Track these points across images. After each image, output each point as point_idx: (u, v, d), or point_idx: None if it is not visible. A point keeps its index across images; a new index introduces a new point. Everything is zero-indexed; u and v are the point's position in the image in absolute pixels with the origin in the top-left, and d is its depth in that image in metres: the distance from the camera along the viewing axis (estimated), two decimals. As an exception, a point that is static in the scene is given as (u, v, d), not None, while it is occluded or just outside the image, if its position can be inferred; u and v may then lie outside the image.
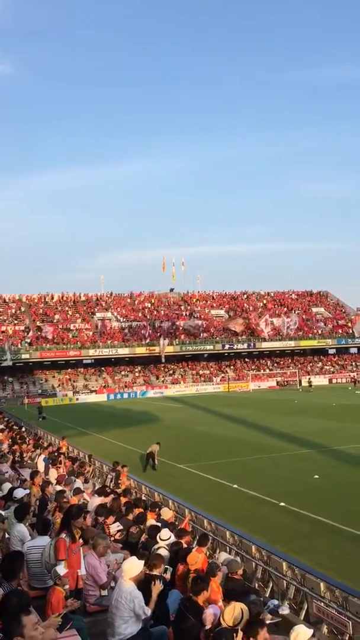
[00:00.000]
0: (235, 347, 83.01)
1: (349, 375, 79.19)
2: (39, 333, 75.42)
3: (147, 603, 6.68)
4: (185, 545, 8.85)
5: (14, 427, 33.78)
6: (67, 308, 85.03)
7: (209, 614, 6.20)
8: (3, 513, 9.84)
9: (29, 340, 74.03)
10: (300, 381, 74.54)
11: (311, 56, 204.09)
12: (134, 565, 6.78)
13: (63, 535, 7.71)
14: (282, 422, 35.98)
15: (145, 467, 22.65)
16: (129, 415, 47.62)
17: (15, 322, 78.80)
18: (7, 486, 12.45)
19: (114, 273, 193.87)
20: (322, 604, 8.10)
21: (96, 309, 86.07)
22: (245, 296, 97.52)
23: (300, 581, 9.01)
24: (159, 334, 79.10)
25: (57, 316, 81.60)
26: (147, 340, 78.53)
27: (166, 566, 7.94)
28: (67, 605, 6.53)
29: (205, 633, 6.02)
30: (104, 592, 7.74)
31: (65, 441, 25.85)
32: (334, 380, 79.53)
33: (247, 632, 5.49)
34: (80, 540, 8.10)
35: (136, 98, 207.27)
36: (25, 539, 8.70)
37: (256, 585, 9.71)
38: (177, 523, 12.03)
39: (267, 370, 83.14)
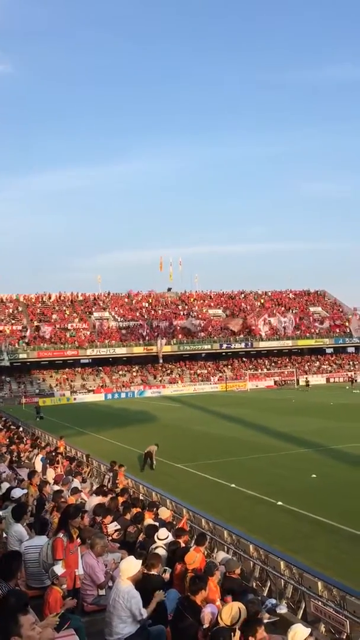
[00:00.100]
0: (232, 346, 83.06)
1: (347, 374, 79.26)
2: (36, 333, 75.35)
3: (145, 603, 6.67)
4: (183, 545, 8.86)
5: (12, 427, 33.76)
6: (64, 308, 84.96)
7: (207, 613, 6.19)
8: (1, 513, 9.84)
9: (26, 340, 73.97)
10: (297, 380, 74.62)
11: (311, 56, 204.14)
12: (131, 565, 6.77)
13: (60, 535, 7.69)
14: (279, 421, 36.00)
15: (143, 466, 22.65)
16: (126, 415, 47.61)
17: (13, 321, 78.73)
18: (4, 486, 12.45)
19: (111, 273, 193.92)
20: (319, 603, 8.11)
21: (94, 309, 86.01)
22: (242, 295, 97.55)
23: (298, 580, 9.02)
24: (156, 334, 79.12)
25: (54, 316, 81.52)
26: (146, 339, 78.53)
27: (165, 567, 7.94)
28: (65, 605, 6.52)
29: (203, 632, 6.02)
30: (102, 592, 7.74)
31: (63, 441, 25.84)
32: (332, 380, 79.61)
33: (245, 631, 5.49)
34: (78, 540, 8.09)
35: (136, 98, 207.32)
36: (23, 539, 8.69)
37: (254, 584, 9.72)
38: (174, 522, 12.03)
39: (265, 370, 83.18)
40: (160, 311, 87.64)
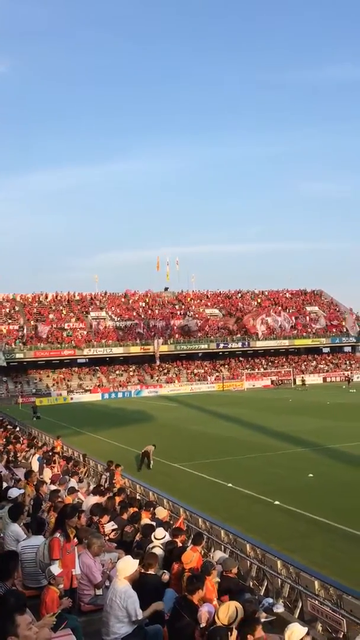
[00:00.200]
0: (229, 346, 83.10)
1: (343, 374, 79.33)
2: (33, 332, 75.25)
3: (142, 603, 6.67)
4: (180, 544, 8.86)
5: (8, 426, 33.71)
6: (61, 307, 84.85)
7: (204, 612, 6.20)
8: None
9: (23, 340, 73.87)
10: (294, 380, 74.68)
11: (311, 56, 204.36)
12: (128, 565, 6.77)
13: (57, 534, 7.69)
14: (276, 421, 36.04)
15: (140, 466, 22.64)
16: (123, 415, 47.60)
17: (9, 321, 78.61)
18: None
19: (108, 272, 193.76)
20: (316, 602, 8.12)
21: (90, 309, 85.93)
22: (239, 295, 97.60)
23: (294, 579, 9.03)
24: (153, 334, 79.11)
25: (51, 315, 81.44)
26: (143, 339, 78.53)
27: (164, 570, 7.94)
28: (61, 604, 6.52)
29: (200, 631, 6.02)
30: (99, 592, 7.73)
31: (60, 441, 25.82)
32: (328, 379, 79.70)
33: (244, 630, 5.50)
34: (75, 540, 8.09)
35: (136, 98, 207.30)
36: (19, 539, 8.68)
37: (251, 583, 9.73)
38: (171, 522, 12.03)
39: (262, 369, 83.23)
40: (157, 311, 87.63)
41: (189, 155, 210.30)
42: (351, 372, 78.89)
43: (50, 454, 20.86)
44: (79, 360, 78.55)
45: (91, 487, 14.72)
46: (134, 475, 19.64)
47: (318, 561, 11.16)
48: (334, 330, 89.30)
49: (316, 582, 8.58)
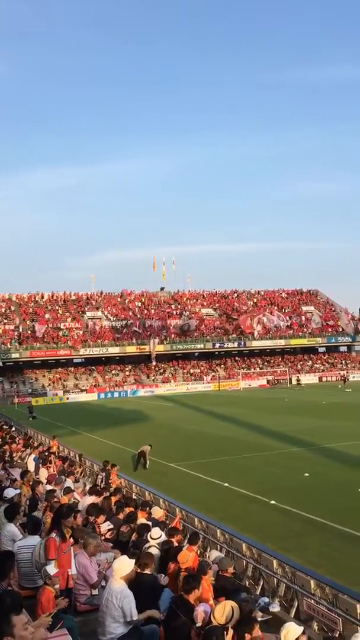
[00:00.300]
0: (225, 345, 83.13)
1: (339, 373, 79.47)
2: (29, 332, 75.11)
3: (138, 602, 6.66)
4: (176, 544, 8.86)
5: (4, 426, 33.65)
6: (57, 307, 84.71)
7: (200, 611, 6.21)
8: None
9: (19, 340, 73.73)
10: (290, 380, 74.78)
11: (311, 56, 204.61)
12: (124, 565, 6.77)
13: (53, 534, 7.69)
14: (272, 420, 36.09)
15: (136, 466, 22.64)
16: (119, 415, 47.58)
17: (5, 321, 78.44)
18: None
19: (104, 272, 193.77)
20: (312, 601, 8.14)
21: (86, 308, 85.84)
22: (235, 295, 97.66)
23: (290, 579, 9.05)
24: (149, 333, 79.07)
25: (47, 315, 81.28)
26: (139, 339, 78.49)
27: (161, 573, 7.93)
28: (58, 604, 6.51)
29: (196, 631, 6.03)
30: (95, 592, 7.73)
31: (56, 441, 25.80)
32: (324, 379, 79.83)
33: (241, 629, 5.52)
34: (71, 540, 8.09)
35: (136, 98, 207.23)
36: (16, 539, 8.68)
37: (247, 583, 9.74)
38: (167, 522, 12.04)
39: (258, 369, 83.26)
40: (153, 310, 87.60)
41: (189, 155, 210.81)
42: (347, 372, 79.06)
43: (46, 454, 20.83)
44: (75, 360, 78.44)
45: (87, 487, 14.71)
46: (130, 475, 19.64)
47: (314, 560, 11.19)
48: (330, 330, 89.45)
49: (312, 582, 8.60)
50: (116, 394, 71.25)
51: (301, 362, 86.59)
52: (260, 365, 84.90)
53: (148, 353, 77.09)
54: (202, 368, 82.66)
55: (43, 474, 16.57)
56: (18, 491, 11.58)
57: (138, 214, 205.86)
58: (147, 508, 12.04)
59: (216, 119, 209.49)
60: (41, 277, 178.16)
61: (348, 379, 73.56)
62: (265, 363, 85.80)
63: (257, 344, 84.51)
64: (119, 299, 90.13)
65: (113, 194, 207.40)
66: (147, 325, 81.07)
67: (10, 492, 10.89)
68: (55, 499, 11.16)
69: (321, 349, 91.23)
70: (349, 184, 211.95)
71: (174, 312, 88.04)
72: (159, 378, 78.21)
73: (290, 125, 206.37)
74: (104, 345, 77.28)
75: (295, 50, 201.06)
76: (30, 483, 13.39)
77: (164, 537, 9.17)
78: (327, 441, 26.35)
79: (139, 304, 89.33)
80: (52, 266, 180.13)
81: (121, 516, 11.08)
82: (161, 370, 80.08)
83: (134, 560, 7.07)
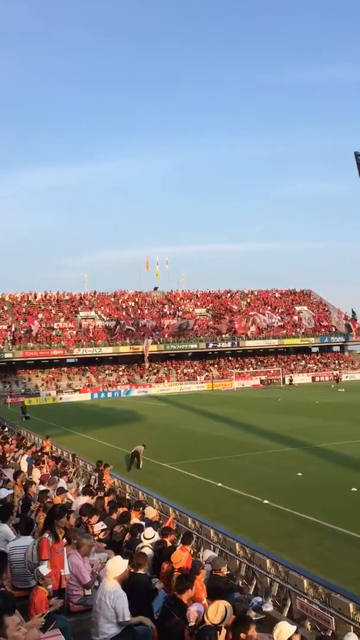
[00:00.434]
0: (219, 345, 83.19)
1: (332, 373, 79.71)
2: (22, 332, 74.89)
3: (131, 603, 6.65)
4: (169, 544, 8.86)
5: (-3, 427, 33.53)
6: (50, 307, 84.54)
7: (193, 611, 6.21)
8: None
9: (12, 340, 73.51)
10: (283, 379, 74.93)
11: (311, 56, 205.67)
12: (118, 565, 6.76)
13: (46, 535, 7.68)
14: (266, 420, 36.14)
15: (129, 466, 22.61)
16: (112, 415, 47.51)
17: (-2, 321, 78.26)
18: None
19: (98, 272, 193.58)
20: (305, 601, 8.15)
21: (80, 308, 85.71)
22: (229, 295, 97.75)
23: (283, 578, 9.06)
24: (142, 333, 79.00)
25: (40, 315, 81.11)
26: (132, 339, 78.43)
27: (155, 578, 7.92)
28: (51, 605, 6.50)
29: (189, 630, 6.03)
30: (88, 592, 7.72)
31: (49, 441, 25.72)
32: (317, 379, 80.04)
33: (237, 628, 5.53)
34: (64, 540, 8.07)
35: (136, 98, 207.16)
36: (9, 539, 8.65)
37: (240, 582, 9.75)
38: (161, 522, 12.04)
39: (251, 369, 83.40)
40: (146, 310, 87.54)
41: (189, 155, 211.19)
42: (340, 372, 79.31)
43: (39, 454, 20.77)
44: (68, 360, 78.34)
45: (80, 488, 14.69)
46: (123, 475, 19.61)
47: (307, 560, 11.20)
48: (323, 330, 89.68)
49: (305, 581, 8.62)
50: (109, 394, 71.18)
51: (294, 362, 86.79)
52: (254, 365, 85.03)
53: (141, 353, 77.04)
54: (196, 368, 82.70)
55: (36, 474, 16.53)
56: (11, 492, 11.56)
57: (134, 213, 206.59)
58: (141, 508, 12.03)
59: (216, 119, 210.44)
60: (35, 277, 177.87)
61: (341, 379, 73.80)
62: (259, 363, 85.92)
63: (250, 343, 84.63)
64: (112, 299, 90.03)
65: (110, 193, 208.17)
66: (140, 325, 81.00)
67: (2, 493, 10.87)
68: (48, 500, 11.13)
69: (314, 349, 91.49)
70: (348, 184, 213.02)
71: (168, 312, 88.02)
72: (152, 378, 78.19)
73: (290, 125, 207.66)
74: (97, 345, 77.17)
75: (295, 50, 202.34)
76: (23, 483, 13.35)
77: (157, 537, 9.17)
78: (321, 441, 26.40)
79: (133, 304, 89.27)
80: (45, 266, 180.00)
81: (114, 516, 11.06)
82: (155, 370, 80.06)
83: (127, 561, 7.06)
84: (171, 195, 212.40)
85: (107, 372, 78.61)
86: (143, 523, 10.27)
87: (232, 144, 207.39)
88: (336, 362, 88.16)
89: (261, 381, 77.99)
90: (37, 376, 75.06)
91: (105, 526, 10.60)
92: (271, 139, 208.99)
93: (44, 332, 76.64)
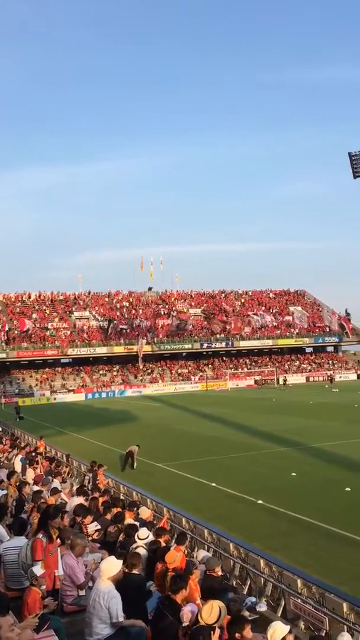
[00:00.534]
0: (213, 345, 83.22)
1: (326, 373, 79.91)
2: (16, 332, 74.68)
3: (125, 603, 6.65)
4: (163, 544, 8.86)
5: (-9, 427, 33.44)
6: (44, 307, 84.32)
7: (186, 611, 6.21)
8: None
9: (7, 340, 73.29)
10: (277, 380, 75.05)
11: (311, 56, 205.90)
12: (112, 565, 6.75)
13: (40, 535, 7.66)
14: (260, 420, 36.19)
15: (124, 466, 22.59)
16: (107, 415, 47.46)
17: (-8, 321, 77.98)
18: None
19: (92, 272, 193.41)
20: (299, 601, 8.16)
21: (74, 308, 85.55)
22: (223, 295, 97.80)
23: (277, 578, 9.07)
24: (137, 333, 78.93)
25: (34, 315, 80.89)
26: (127, 339, 78.36)
27: (150, 581, 7.92)
28: (45, 605, 6.49)
29: (183, 630, 6.03)
30: (82, 592, 7.71)
31: (43, 441, 25.67)
32: (311, 379, 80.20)
33: (232, 628, 5.54)
34: (58, 541, 8.06)
35: (136, 98, 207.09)
36: (2, 540, 8.63)
37: (234, 582, 9.76)
38: (155, 522, 12.03)
39: (245, 369, 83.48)
40: (141, 310, 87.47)
41: (189, 155, 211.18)
42: (333, 372, 79.53)
43: (33, 454, 20.73)
44: (62, 360, 78.16)
45: (74, 488, 14.67)
46: (117, 475, 19.60)
47: (301, 560, 11.23)
48: (317, 330, 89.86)
49: (299, 581, 8.64)
50: (104, 394, 71.09)
51: (288, 362, 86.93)
52: (248, 366, 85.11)
53: (136, 353, 77.00)
54: (190, 368, 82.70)
55: (30, 474, 16.49)
56: (4, 492, 11.53)
57: (131, 214, 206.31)
58: (135, 508, 12.02)
59: (216, 119, 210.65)
60: (29, 277, 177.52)
61: (334, 379, 74.00)
62: (253, 363, 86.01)
63: (244, 344, 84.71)
64: (106, 299, 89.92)
65: (108, 193, 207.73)
66: (134, 325, 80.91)
67: (-4, 493, 10.83)
68: (42, 500, 11.11)
69: (308, 349, 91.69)
70: (348, 184, 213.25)
71: (162, 312, 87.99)
72: (146, 378, 78.15)
73: (290, 125, 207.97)
74: (91, 345, 77.05)
75: (295, 50, 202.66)
76: (17, 484, 13.31)
77: (151, 538, 9.17)
78: (315, 441, 26.46)
79: (127, 304, 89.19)
80: (39, 266, 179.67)
81: (108, 517, 11.05)
82: (149, 371, 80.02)
83: (121, 561, 7.05)
84: (171, 195, 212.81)
85: (101, 372, 78.51)
86: (137, 523, 10.27)
87: (232, 144, 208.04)
88: (330, 362, 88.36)
89: (255, 381, 78.09)
90: (31, 376, 74.88)
91: (99, 526, 10.59)
92: (271, 139, 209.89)
93: (38, 332, 76.44)
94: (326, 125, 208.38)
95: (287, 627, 5.60)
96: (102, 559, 7.57)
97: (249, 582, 9.60)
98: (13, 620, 4.83)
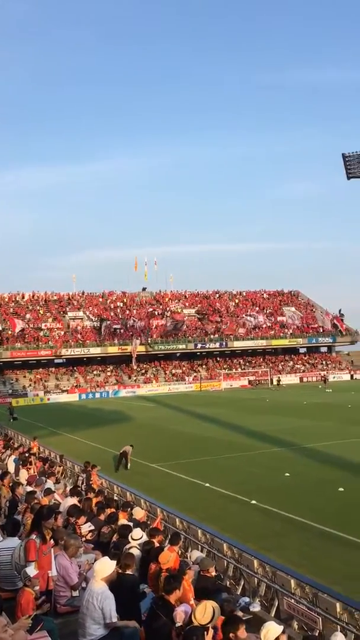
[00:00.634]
0: (207, 346, 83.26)
1: (319, 374, 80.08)
2: (9, 333, 74.48)
3: (118, 604, 6.64)
4: (157, 545, 8.86)
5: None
6: (38, 307, 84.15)
7: (179, 612, 6.21)
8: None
9: (0, 340, 73.19)
10: (271, 380, 75.17)
11: (311, 56, 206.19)
12: (105, 566, 6.74)
13: (33, 536, 7.64)
14: (254, 420, 36.22)
15: (117, 466, 22.55)
16: (100, 415, 47.39)
17: (-15, 321, 77.75)
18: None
19: (86, 272, 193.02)
20: (292, 601, 8.18)
21: (68, 309, 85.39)
22: (217, 295, 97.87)
23: (271, 578, 9.09)
24: (131, 334, 78.86)
25: (28, 315, 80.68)
26: (120, 339, 78.28)
27: (143, 584, 7.90)
28: (39, 605, 6.47)
29: (176, 631, 6.03)
30: (75, 593, 7.69)
31: (36, 442, 25.60)
32: (305, 379, 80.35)
33: (227, 629, 5.54)
34: (51, 541, 8.04)
35: (136, 98, 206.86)
36: (-4, 541, 8.60)
37: (227, 583, 9.76)
38: (149, 522, 12.03)
39: (239, 370, 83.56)
40: (135, 311, 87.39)
41: (189, 155, 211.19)
42: (327, 372, 79.71)
43: (27, 455, 20.68)
44: (56, 361, 78.00)
45: (68, 489, 14.64)
46: (111, 476, 19.57)
47: (294, 560, 11.24)
48: (311, 330, 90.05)
49: (292, 581, 8.65)
50: (97, 395, 71.01)
51: (282, 363, 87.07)
52: (242, 366, 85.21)
53: (129, 354, 76.94)
54: (184, 368, 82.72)
55: (23, 475, 16.43)
56: (-2, 493, 11.48)
57: (130, 213, 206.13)
58: (129, 509, 12.01)
59: (216, 119, 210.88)
60: (22, 277, 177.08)
61: (328, 380, 74.17)
62: (247, 364, 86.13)
63: (238, 344, 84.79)
64: (100, 300, 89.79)
65: (107, 193, 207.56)
66: (128, 325, 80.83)
67: (-11, 494, 10.79)
68: (36, 501, 11.08)
69: (302, 350, 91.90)
70: (348, 183, 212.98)
71: (156, 313, 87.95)
72: (140, 378, 78.10)
73: (290, 125, 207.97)
74: (85, 345, 76.94)
75: (295, 50, 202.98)
76: (10, 484, 13.29)
77: (145, 538, 9.16)
78: (308, 441, 26.51)
79: (121, 304, 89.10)
80: (33, 266, 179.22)
81: (102, 517, 11.04)
82: (143, 371, 79.97)
83: (115, 562, 7.04)
84: (170, 195, 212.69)
85: (95, 372, 78.41)
86: (131, 524, 10.26)
87: (232, 144, 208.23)
88: (323, 362, 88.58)
89: (249, 382, 78.17)
90: (24, 376, 74.70)
91: (92, 527, 10.58)
92: (271, 139, 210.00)
93: (32, 332, 76.26)
94: (326, 126, 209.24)
95: (281, 627, 5.61)
96: (95, 560, 7.56)
97: (242, 583, 9.61)
98: (6, 621, 4.82)
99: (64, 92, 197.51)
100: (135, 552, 8.46)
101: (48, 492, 12.64)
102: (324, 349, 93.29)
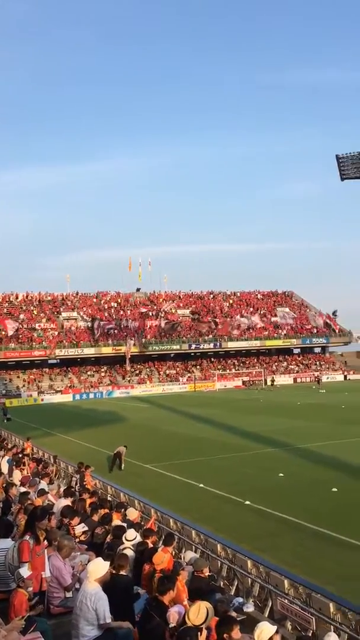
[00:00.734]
0: (201, 346, 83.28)
1: (313, 374, 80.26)
2: (2, 333, 74.28)
3: (112, 605, 6.63)
4: (151, 545, 8.85)
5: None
6: (32, 307, 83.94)
7: (173, 612, 6.20)
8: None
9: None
10: (265, 381, 75.28)
11: (311, 56, 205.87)
12: (99, 567, 6.72)
13: (27, 537, 7.62)
14: (248, 421, 36.27)
15: (111, 467, 22.53)
16: (94, 416, 47.33)
17: (-21, 321, 77.40)
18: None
19: (80, 272, 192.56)
20: (286, 601, 8.19)
21: (62, 309, 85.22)
22: (211, 296, 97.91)
23: (264, 579, 9.10)
24: (125, 334, 78.79)
25: (21, 315, 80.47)
26: (114, 340, 78.18)
27: (137, 586, 7.89)
28: (32, 606, 6.45)
29: (170, 632, 6.02)
30: (69, 594, 7.68)
31: (30, 442, 25.54)
32: (299, 380, 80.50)
33: (221, 629, 5.54)
34: (45, 542, 8.02)
35: (136, 98, 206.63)
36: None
37: (221, 583, 9.77)
38: (143, 523, 12.02)
39: (233, 370, 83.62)
40: (129, 311, 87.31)
41: (189, 155, 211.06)
42: (321, 373, 79.91)
43: (20, 455, 20.62)
44: (49, 361, 77.81)
45: (62, 489, 14.61)
46: (105, 477, 19.55)
47: (288, 560, 11.27)
48: (305, 331, 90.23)
49: (286, 581, 8.67)
50: (91, 395, 70.91)
51: (276, 363, 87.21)
52: (236, 367, 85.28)
53: (123, 354, 76.86)
54: (178, 369, 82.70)
55: (17, 476, 16.40)
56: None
57: (130, 213, 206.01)
58: (122, 509, 12.00)
59: (216, 119, 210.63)
60: (16, 277, 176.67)
61: (322, 380, 74.35)
62: (241, 364, 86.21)
63: (232, 345, 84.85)
64: (94, 300, 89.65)
65: (106, 193, 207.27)
66: (122, 326, 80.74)
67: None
68: (29, 501, 11.05)
69: (296, 350, 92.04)
70: (348, 184, 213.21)
71: (150, 314, 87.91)
72: (134, 379, 78.04)
73: (290, 126, 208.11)
74: (79, 346, 76.80)
75: (295, 50, 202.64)
76: (4, 485, 13.24)
77: (139, 539, 9.15)
78: (302, 441, 26.58)
79: (115, 305, 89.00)
80: (27, 266, 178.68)
81: (96, 518, 11.02)
82: (137, 372, 79.91)
83: (108, 563, 7.02)
84: (170, 195, 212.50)
85: (89, 373, 78.28)
86: (125, 524, 10.25)
87: (232, 144, 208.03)
88: (317, 363, 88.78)
89: (243, 382, 78.25)
90: (18, 377, 74.49)
91: (86, 528, 10.56)
92: (271, 139, 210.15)
93: (26, 332, 76.07)
94: (326, 126, 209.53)
95: (274, 628, 5.62)
96: (89, 561, 7.54)
97: (236, 583, 9.62)
98: (-1, 623, 4.81)
99: (64, 92, 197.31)
100: (129, 552, 8.45)
101: (42, 492, 12.61)
102: (317, 350, 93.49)
